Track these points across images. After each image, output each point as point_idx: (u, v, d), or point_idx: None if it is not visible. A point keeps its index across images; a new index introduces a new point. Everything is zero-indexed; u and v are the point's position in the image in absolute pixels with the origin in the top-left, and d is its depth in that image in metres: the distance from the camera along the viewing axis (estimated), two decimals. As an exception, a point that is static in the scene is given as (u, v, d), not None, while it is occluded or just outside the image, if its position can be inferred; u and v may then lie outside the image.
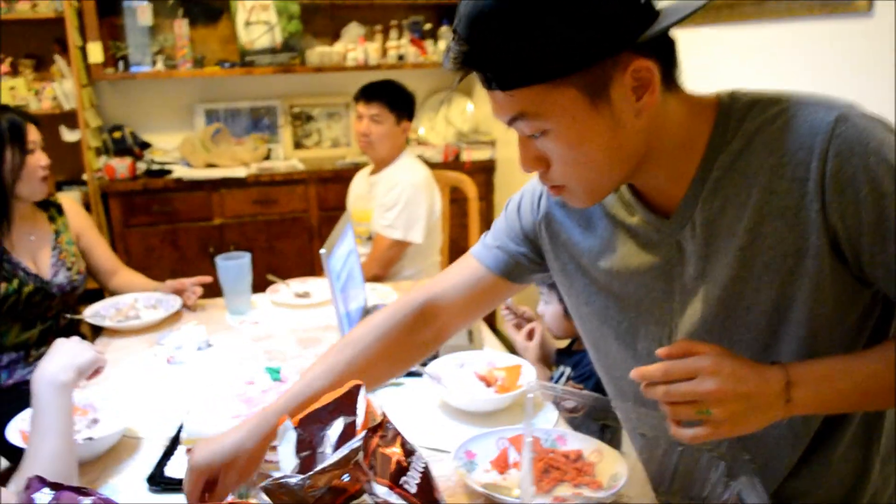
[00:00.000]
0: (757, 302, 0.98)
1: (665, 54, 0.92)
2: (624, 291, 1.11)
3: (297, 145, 4.09)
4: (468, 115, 4.22)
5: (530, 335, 2.10)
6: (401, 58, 3.91)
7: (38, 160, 2.11)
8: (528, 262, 1.24)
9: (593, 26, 0.84)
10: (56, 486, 0.78)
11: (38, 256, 2.19)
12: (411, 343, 1.26)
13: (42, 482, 0.78)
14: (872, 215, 0.88)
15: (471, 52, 0.88)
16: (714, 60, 2.16)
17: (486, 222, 3.96)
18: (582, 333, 1.26)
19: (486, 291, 1.26)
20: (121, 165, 3.52)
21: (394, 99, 2.76)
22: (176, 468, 1.36)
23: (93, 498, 0.76)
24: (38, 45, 3.57)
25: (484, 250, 1.27)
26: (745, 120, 0.95)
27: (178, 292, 2.27)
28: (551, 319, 2.06)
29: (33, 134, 2.12)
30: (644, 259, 1.07)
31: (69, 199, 2.38)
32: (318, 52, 3.80)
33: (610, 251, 1.11)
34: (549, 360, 2.13)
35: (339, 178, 3.62)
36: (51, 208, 2.29)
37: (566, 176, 0.96)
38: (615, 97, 0.88)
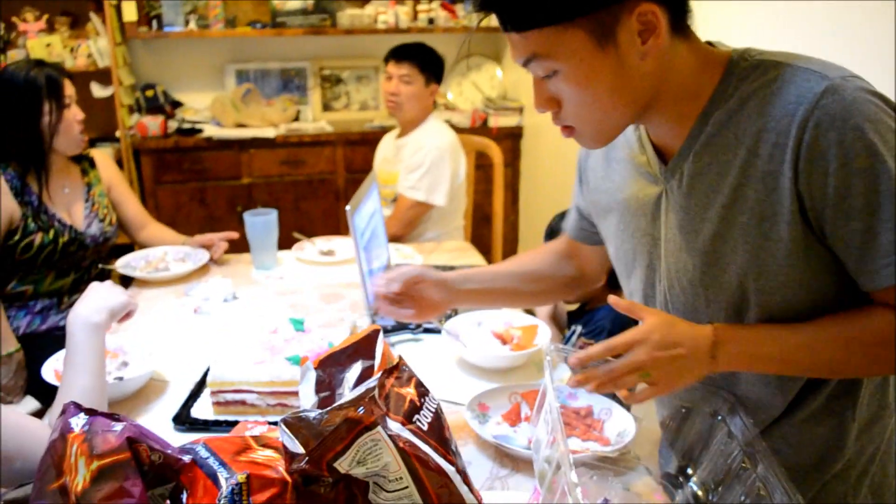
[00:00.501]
0: (734, 261, 1.01)
1: (673, 1, 0.95)
2: (629, 230, 1.17)
3: (326, 107, 4.12)
4: (497, 81, 4.22)
5: None
6: (431, 21, 3.91)
7: (75, 114, 2.17)
8: (591, 224, 1.33)
9: None
10: (90, 412, 0.83)
11: (72, 208, 2.25)
12: (567, 270, 1.46)
13: (78, 408, 0.83)
14: (838, 190, 0.90)
15: None
16: (747, 35, 2.14)
17: (512, 189, 4.01)
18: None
19: (584, 251, 1.42)
20: (153, 123, 3.57)
21: (424, 60, 2.77)
22: (201, 409, 1.42)
23: (124, 423, 0.81)
24: (73, 2, 3.62)
25: (568, 217, 1.43)
26: (745, 80, 0.97)
27: (206, 246, 2.33)
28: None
29: (69, 88, 2.18)
30: (643, 200, 1.12)
31: (101, 153, 2.44)
32: (349, 15, 3.81)
33: (623, 189, 1.16)
34: (561, 322, 2.17)
35: (367, 141, 3.65)
36: (83, 161, 2.35)
37: (576, 116, 1.00)
38: (621, 40, 0.92)
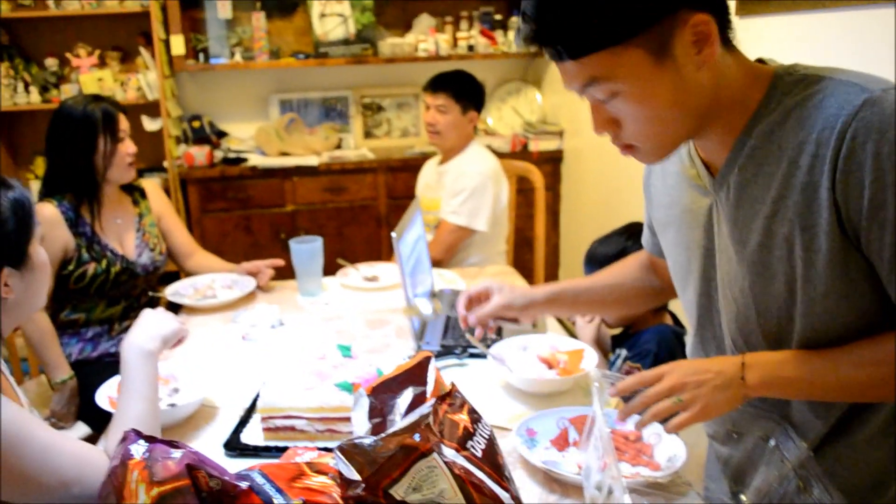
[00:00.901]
0: (780, 271, 1.03)
1: (718, 11, 0.96)
2: (684, 241, 1.20)
3: (368, 135, 4.18)
4: (536, 106, 4.23)
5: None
6: (471, 48, 3.95)
7: (127, 148, 2.24)
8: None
9: None
10: (150, 439, 0.85)
11: (124, 238, 2.31)
12: (652, 281, 1.49)
13: (138, 435, 0.85)
14: (873, 202, 0.91)
15: (541, 29, 0.95)
16: (791, 50, 2.13)
17: (553, 213, 4.01)
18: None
19: (656, 262, 1.46)
20: (199, 153, 3.65)
21: (459, 89, 2.79)
22: (251, 435, 1.43)
23: (183, 450, 0.83)
24: (124, 38, 3.74)
25: (643, 232, 1.46)
26: (788, 94, 0.99)
27: (253, 274, 2.37)
28: (588, 335, 2.09)
29: (123, 123, 2.24)
30: (697, 213, 1.15)
31: (151, 183, 2.51)
32: (390, 44, 3.86)
33: (678, 203, 1.19)
34: (605, 345, 2.16)
35: (408, 168, 3.69)
36: (134, 192, 2.41)
37: (637, 134, 1.02)
38: (678, 53, 0.94)
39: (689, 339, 1.32)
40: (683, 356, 1.75)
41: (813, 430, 1.11)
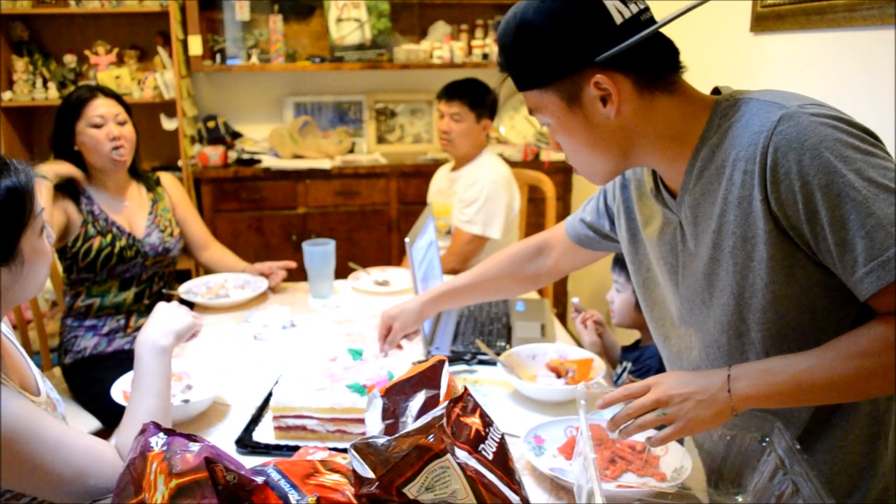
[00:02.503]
0: (728, 284, 1.10)
1: (637, 68, 1.08)
2: (655, 259, 1.28)
3: (380, 140, 4.20)
4: (549, 116, 4.25)
5: (594, 325, 2.14)
6: (485, 56, 3.97)
7: (108, 133, 2.25)
8: (599, 235, 1.50)
9: (563, 47, 1.06)
10: (169, 432, 0.87)
11: (134, 220, 2.36)
12: (530, 269, 1.66)
13: (157, 427, 0.87)
14: (806, 208, 0.97)
15: (500, 59, 1.15)
16: (804, 67, 2.15)
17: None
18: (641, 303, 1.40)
19: (571, 251, 1.59)
20: (213, 153, 3.68)
21: (474, 97, 2.82)
22: (262, 433, 1.45)
23: (201, 444, 0.85)
24: (142, 37, 3.77)
25: (571, 219, 1.59)
26: (724, 117, 1.08)
27: (265, 274, 2.39)
28: (620, 306, 2.10)
29: (102, 108, 2.26)
30: (665, 232, 1.23)
31: (168, 175, 2.57)
32: (405, 50, 3.89)
33: (650, 221, 1.28)
34: (614, 356, 2.17)
35: (420, 173, 3.71)
36: (150, 181, 2.45)
37: (570, 159, 1.20)
38: (586, 103, 1.10)
39: (662, 353, 1.35)
40: None
41: (796, 424, 1.15)
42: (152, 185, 2.46)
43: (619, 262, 2.06)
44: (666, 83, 1.11)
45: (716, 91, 1.18)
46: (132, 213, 2.37)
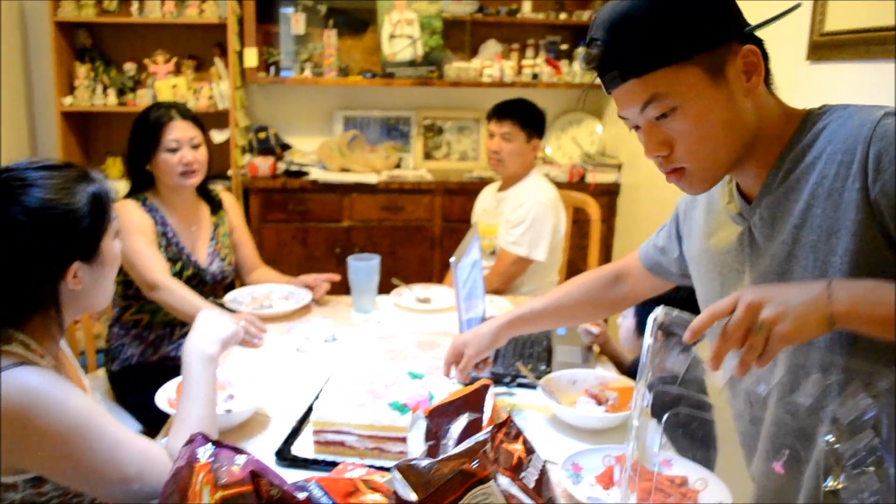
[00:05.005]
0: (804, 279, 1.07)
1: (764, 55, 1.08)
2: (717, 268, 1.26)
3: (427, 156, 4.23)
4: (596, 137, 4.24)
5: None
6: (535, 76, 3.98)
7: (181, 157, 2.26)
8: (669, 259, 1.48)
9: (712, 15, 1.03)
10: (217, 444, 0.88)
11: (197, 245, 2.38)
12: (607, 297, 1.64)
13: (205, 438, 0.89)
14: None
15: (610, 51, 1.06)
16: (863, 98, 2.11)
17: (607, 245, 3.99)
18: None
19: (646, 278, 1.58)
20: (263, 164, 3.74)
21: (525, 117, 2.82)
22: (301, 447, 1.46)
23: (247, 457, 0.86)
24: (200, 47, 3.86)
25: (645, 246, 1.57)
26: (817, 121, 1.09)
27: (309, 287, 2.41)
28: (624, 333, 2.07)
29: (178, 132, 2.26)
30: (731, 240, 1.21)
31: (229, 195, 2.59)
32: (456, 67, 3.92)
33: (716, 233, 1.26)
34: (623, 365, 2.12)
35: (465, 191, 3.73)
36: (215, 202, 2.48)
37: (689, 154, 1.10)
38: (730, 76, 1.06)
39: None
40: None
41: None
42: (216, 208, 2.49)
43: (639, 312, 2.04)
44: (769, 83, 1.13)
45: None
46: (197, 238, 2.40)
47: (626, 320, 2.08)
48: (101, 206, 1.22)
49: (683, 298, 1.82)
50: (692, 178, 1.14)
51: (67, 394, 1.12)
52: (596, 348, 2.07)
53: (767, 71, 1.11)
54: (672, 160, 1.12)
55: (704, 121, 1.07)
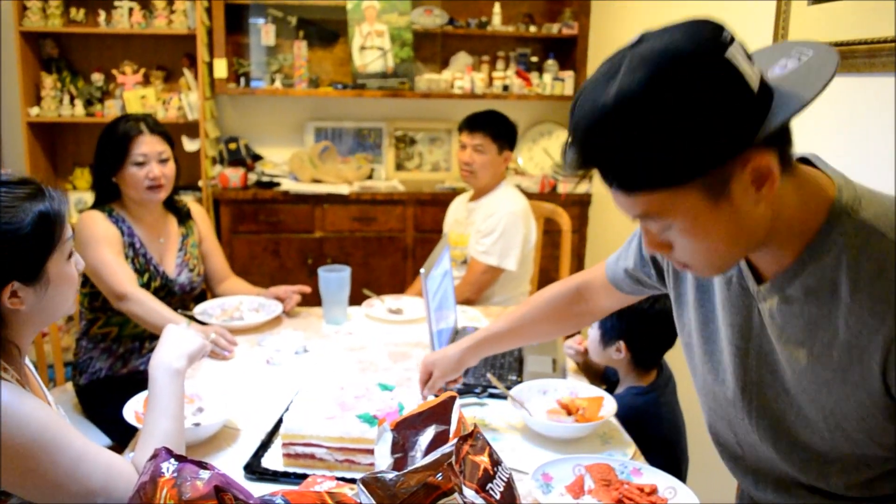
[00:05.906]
0: (818, 400, 1.03)
1: (783, 141, 0.93)
2: (718, 332, 1.18)
3: (399, 167, 4.24)
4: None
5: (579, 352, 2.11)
6: (506, 88, 4.00)
7: (147, 172, 2.23)
8: (641, 281, 1.40)
9: (712, 131, 0.84)
10: (180, 458, 0.88)
11: (166, 256, 2.36)
12: (570, 312, 1.60)
13: (169, 453, 0.88)
14: None
15: (589, 156, 0.90)
16: (857, 110, 2.11)
17: (578, 255, 4.02)
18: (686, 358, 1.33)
19: (613, 294, 1.50)
20: (234, 175, 3.72)
21: (497, 129, 2.84)
22: (271, 460, 1.45)
23: (211, 472, 0.85)
24: (169, 58, 3.84)
25: (612, 266, 1.48)
26: (847, 247, 0.95)
27: (280, 298, 2.40)
28: (591, 343, 2.08)
29: (146, 146, 2.23)
30: (735, 309, 1.13)
31: (198, 206, 2.56)
32: (427, 79, 3.93)
33: (710, 295, 1.19)
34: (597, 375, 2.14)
35: (437, 202, 3.73)
36: (182, 213, 2.45)
37: (691, 258, 1.00)
38: (735, 193, 0.90)
39: (704, 415, 1.31)
40: (648, 418, 1.83)
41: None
42: (183, 218, 2.47)
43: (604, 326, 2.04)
44: (790, 159, 0.96)
45: (805, 160, 1.03)
46: (165, 249, 2.37)
47: (593, 331, 2.09)
48: (48, 227, 1.17)
49: (656, 313, 1.84)
50: (698, 272, 1.06)
51: (31, 407, 1.10)
52: (572, 365, 2.08)
53: (788, 151, 0.95)
54: (673, 257, 1.02)
55: (703, 239, 0.94)
